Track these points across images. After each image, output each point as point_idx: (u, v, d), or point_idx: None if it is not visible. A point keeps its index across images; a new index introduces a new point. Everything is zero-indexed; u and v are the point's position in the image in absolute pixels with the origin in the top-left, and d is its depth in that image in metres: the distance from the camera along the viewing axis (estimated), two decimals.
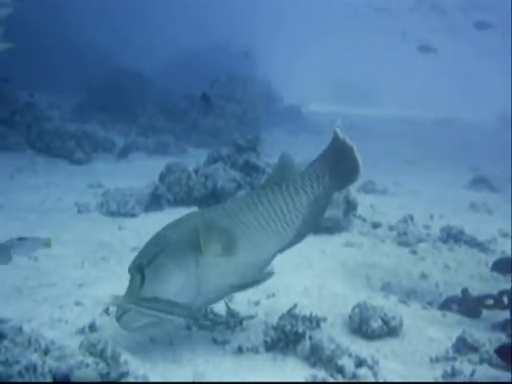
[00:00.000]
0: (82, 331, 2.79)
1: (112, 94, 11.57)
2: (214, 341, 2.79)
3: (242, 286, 2.50)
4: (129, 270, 2.50)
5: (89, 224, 4.76)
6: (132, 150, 8.94)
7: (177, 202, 5.51)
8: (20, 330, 1.98)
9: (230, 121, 10.99)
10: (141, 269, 2.43)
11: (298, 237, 2.65)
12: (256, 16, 23.91)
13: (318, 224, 3.14)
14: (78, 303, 3.13)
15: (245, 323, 2.94)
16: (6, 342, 1.89)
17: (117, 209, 5.09)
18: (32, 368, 1.79)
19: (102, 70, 12.53)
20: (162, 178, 5.70)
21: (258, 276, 2.52)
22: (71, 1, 14.67)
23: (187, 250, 2.35)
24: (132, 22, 18.24)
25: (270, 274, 2.54)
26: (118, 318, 2.38)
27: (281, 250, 2.67)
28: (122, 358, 2.23)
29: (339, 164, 2.61)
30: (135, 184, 5.55)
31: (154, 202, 5.36)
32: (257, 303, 3.28)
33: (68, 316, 2.96)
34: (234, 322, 2.94)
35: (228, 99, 11.31)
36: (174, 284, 2.37)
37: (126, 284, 3.47)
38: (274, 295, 3.42)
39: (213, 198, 5.51)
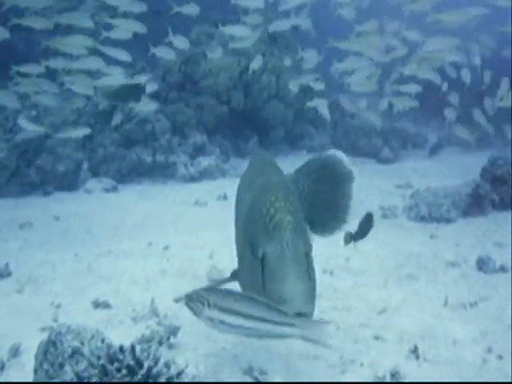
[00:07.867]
0: (381, 379, 2.09)
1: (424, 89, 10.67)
2: None
3: None
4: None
5: (394, 231, 4.03)
6: (445, 145, 7.95)
7: (504, 205, 4.44)
8: None
9: None
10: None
11: None
12: None
13: None
14: (377, 337, 2.44)
15: None
16: None
17: (428, 213, 4.28)
18: None
19: None
20: (484, 174, 4.65)
21: None
22: None
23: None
24: None
25: None
26: None
27: None
28: None
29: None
30: (450, 183, 4.64)
31: (475, 203, 4.38)
32: None
33: (364, 355, 2.28)
34: None
35: None
36: None
37: (439, 311, 2.65)
38: None
39: None
